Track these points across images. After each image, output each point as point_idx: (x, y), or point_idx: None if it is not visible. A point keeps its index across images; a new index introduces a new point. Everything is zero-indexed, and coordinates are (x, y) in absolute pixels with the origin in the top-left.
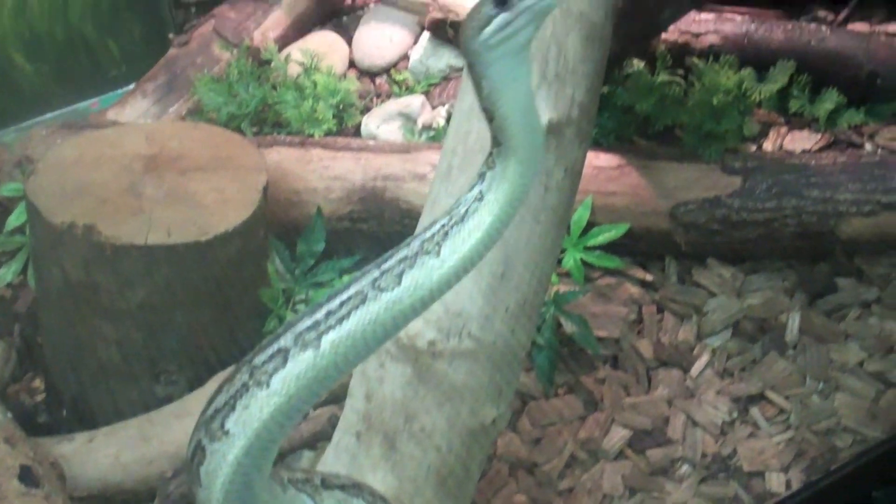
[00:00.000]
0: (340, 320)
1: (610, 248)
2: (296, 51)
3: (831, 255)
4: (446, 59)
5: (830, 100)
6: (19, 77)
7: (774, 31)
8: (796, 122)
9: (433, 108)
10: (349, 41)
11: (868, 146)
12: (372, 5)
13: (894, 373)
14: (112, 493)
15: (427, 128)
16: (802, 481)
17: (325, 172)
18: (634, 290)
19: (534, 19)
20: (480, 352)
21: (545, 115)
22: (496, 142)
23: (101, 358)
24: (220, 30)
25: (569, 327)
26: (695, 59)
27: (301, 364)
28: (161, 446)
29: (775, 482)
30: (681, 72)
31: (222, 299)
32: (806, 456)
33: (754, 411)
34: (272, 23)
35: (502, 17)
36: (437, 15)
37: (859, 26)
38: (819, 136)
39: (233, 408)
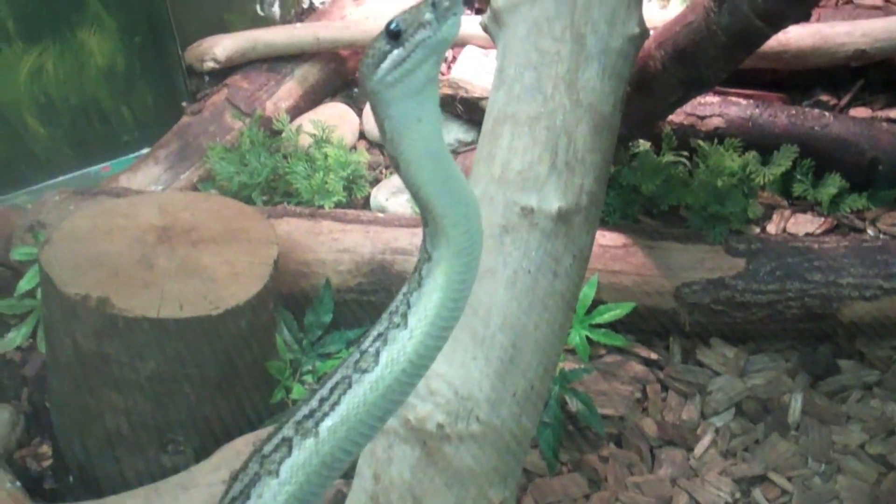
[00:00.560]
0: (333, 406)
1: (615, 325)
2: (307, 121)
3: (833, 338)
4: (455, 133)
5: (833, 184)
6: (32, 141)
7: (778, 115)
8: (799, 205)
9: None
10: (359, 112)
11: (870, 231)
12: None
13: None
14: None
15: None
16: None
17: (334, 245)
18: (639, 369)
19: (431, 54)
20: (488, 436)
21: (554, 203)
22: (424, 222)
23: (109, 427)
24: (233, 99)
25: (574, 405)
26: (700, 142)
27: (305, 452)
28: None
29: None
30: (686, 153)
31: (231, 370)
32: None
33: (756, 493)
34: (284, 93)
35: (397, 53)
36: (446, 91)
37: (861, 111)
38: (822, 219)
39: (248, 496)
